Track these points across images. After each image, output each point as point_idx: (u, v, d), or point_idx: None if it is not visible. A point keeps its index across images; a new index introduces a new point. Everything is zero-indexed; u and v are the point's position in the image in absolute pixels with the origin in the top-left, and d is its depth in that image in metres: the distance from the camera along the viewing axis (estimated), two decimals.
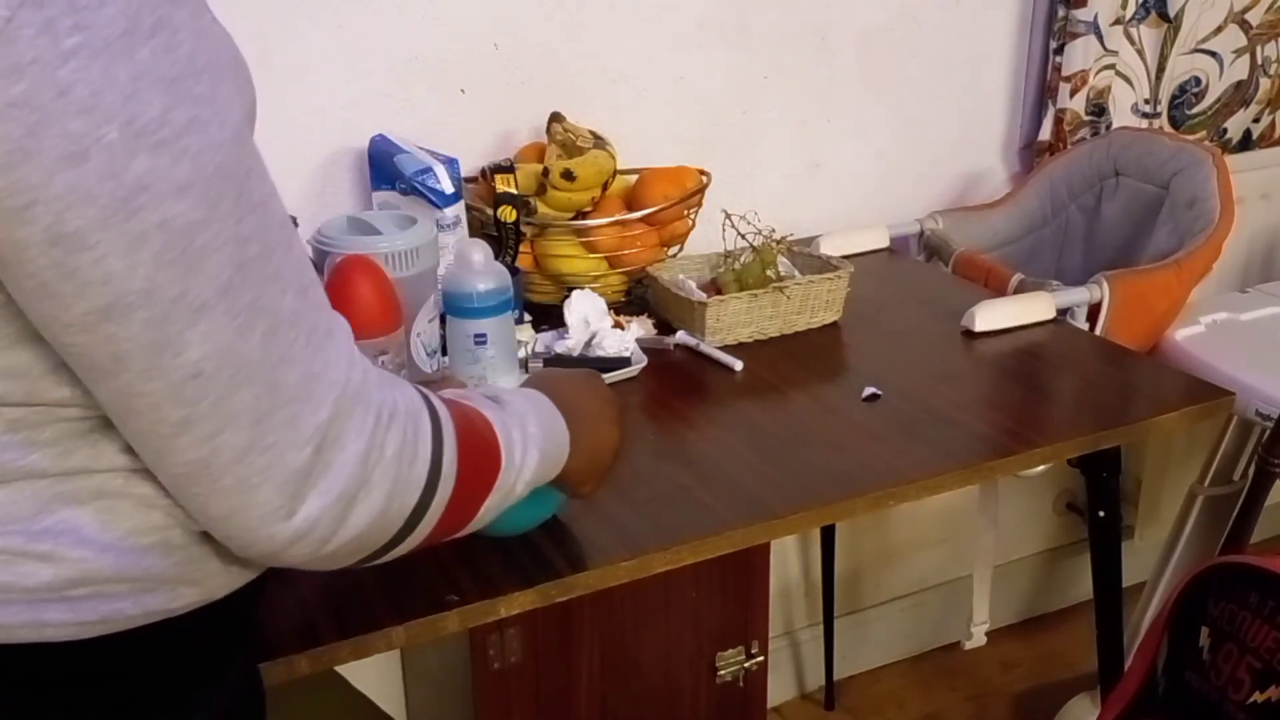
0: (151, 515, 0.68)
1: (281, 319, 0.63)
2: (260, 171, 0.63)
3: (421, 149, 1.45)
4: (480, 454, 0.76)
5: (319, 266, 1.19)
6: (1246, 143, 2.25)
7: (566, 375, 0.98)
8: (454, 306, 1.25)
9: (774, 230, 1.51)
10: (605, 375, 1.35)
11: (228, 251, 0.60)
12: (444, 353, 1.30)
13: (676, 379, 1.39)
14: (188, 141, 0.57)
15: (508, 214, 1.45)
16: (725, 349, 1.44)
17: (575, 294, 1.43)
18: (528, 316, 1.48)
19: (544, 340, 1.43)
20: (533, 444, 0.81)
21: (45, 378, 0.63)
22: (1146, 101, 2.11)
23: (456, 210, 1.42)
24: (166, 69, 0.57)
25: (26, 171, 0.54)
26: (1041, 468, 1.46)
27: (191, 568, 0.70)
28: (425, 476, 0.71)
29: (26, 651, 0.66)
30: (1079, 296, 1.58)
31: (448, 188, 1.40)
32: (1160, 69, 2.09)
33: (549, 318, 1.48)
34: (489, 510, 0.79)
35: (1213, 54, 2.13)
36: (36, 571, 0.65)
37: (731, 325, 1.46)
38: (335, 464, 0.65)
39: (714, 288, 1.50)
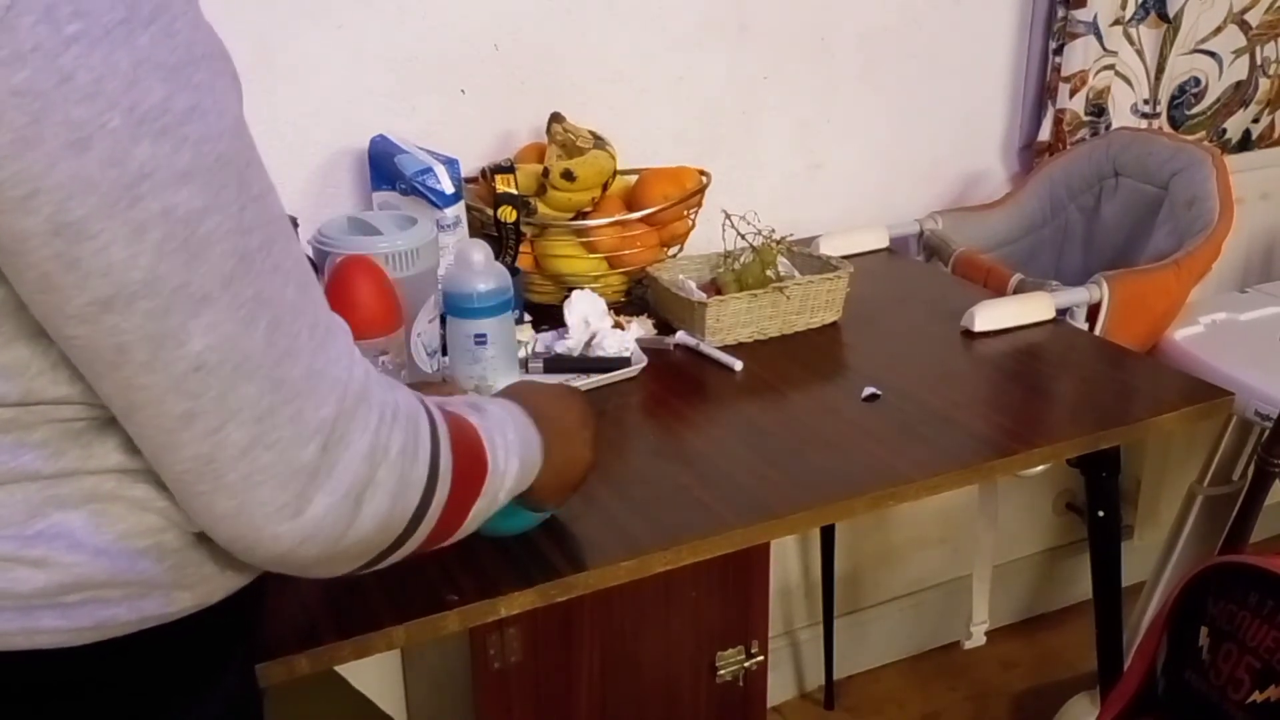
0: (145, 518, 0.67)
1: (284, 312, 0.62)
2: (258, 163, 0.62)
3: (422, 149, 1.45)
4: (470, 458, 0.76)
5: (319, 266, 1.19)
6: (1246, 143, 2.25)
7: (545, 387, 0.97)
8: (454, 307, 1.25)
9: (774, 230, 1.51)
10: (605, 375, 1.35)
11: (230, 241, 0.59)
12: (444, 353, 1.30)
13: (676, 379, 1.39)
14: (189, 129, 0.57)
15: (508, 214, 1.45)
16: (725, 349, 1.44)
17: (575, 294, 1.43)
18: (528, 316, 1.48)
19: (544, 340, 1.43)
20: (513, 451, 0.81)
21: (43, 375, 0.62)
22: (1146, 102, 2.11)
23: (457, 210, 1.42)
24: (166, 56, 0.56)
25: (30, 160, 0.54)
26: (1041, 468, 1.46)
27: (186, 572, 0.69)
28: (425, 477, 0.70)
29: (18, 659, 0.65)
30: (1078, 296, 1.58)
31: (448, 188, 1.40)
32: (1160, 69, 2.09)
33: (549, 318, 1.48)
34: (476, 516, 0.78)
35: (1212, 54, 2.13)
36: (30, 577, 0.64)
37: (731, 325, 1.46)
38: (342, 461, 0.65)
39: (714, 288, 1.50)
